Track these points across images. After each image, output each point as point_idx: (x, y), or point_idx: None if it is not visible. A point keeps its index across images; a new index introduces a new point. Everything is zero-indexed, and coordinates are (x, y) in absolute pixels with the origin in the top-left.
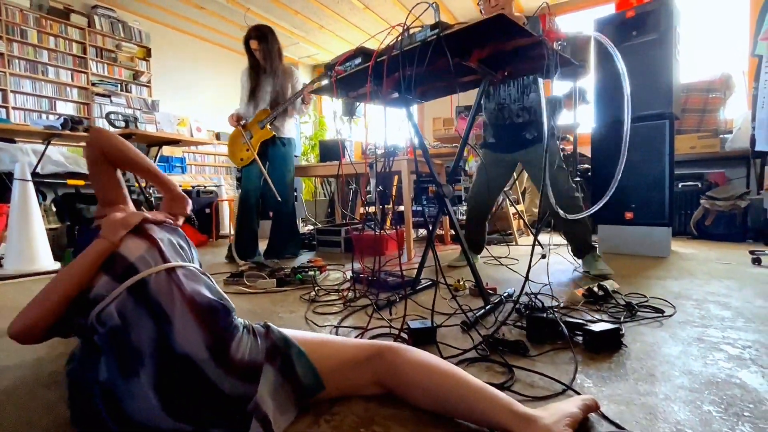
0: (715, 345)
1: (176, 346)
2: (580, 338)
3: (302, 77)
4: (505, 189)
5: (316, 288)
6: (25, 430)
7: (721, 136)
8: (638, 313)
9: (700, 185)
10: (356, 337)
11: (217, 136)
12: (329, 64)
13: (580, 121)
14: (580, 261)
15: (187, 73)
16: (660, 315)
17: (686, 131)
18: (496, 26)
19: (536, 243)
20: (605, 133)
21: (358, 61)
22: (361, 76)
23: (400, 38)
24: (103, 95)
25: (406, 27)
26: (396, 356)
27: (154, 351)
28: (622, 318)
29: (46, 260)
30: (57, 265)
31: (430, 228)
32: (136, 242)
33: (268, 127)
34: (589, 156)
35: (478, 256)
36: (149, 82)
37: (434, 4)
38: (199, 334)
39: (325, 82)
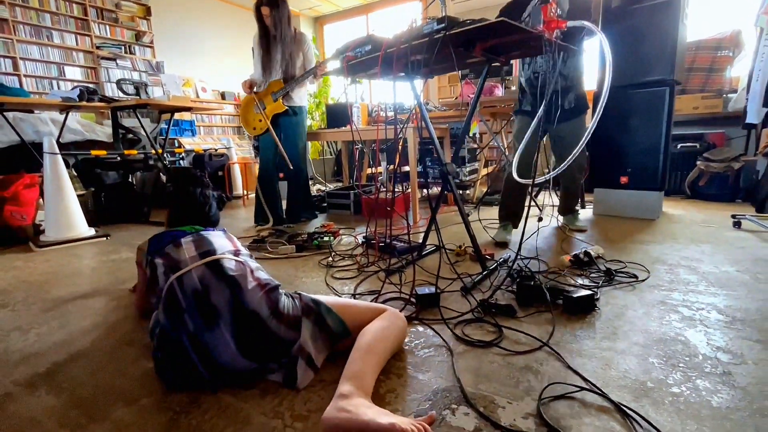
0: (674, 307)
1: (247, 305)
2: (562, 302)
3: (311, 41)
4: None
5: (332, 254)
6: (121, 377)
7: (725, 95)
8: (615, 278)
9: (698, 146)
10: (370, 300)
11: (222, 96)
12: (340, 49)
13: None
14: (562, 217)
15: (188, 31)
16: (634, 280)
17: (691, 91)
18: (499, 26)
19: (532, 206)
20: (608, 97)
21: (368, 48)
22: (370, 59)
23: (408, 29)
24: (109, 58)
25: (414, 20)
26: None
27: (230, 308)
28: (600, 283)
29: (82, 227)
30: (91, 231)
31: (434, 205)
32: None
33: (282, 101)
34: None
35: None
36: (152, 42)
37: None
38: (263, 298)
39: (336, 65)
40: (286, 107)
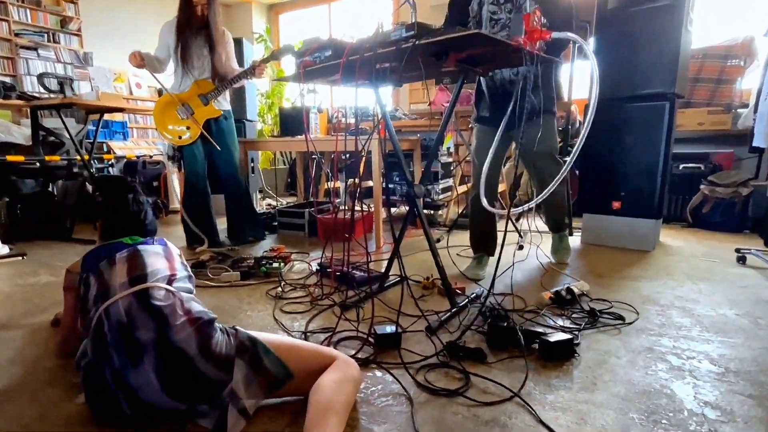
0: (662, 355)
1: (173, 342)
2: (537, 346)
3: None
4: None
5: (282, 283)
6: (42, 422)
7: (734, 110)
8: (600, 319)
9: (702, 167)
10: (323, 340)
11: (160, 93)
12: (298, 51)
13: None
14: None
15: (121, 18)
16: (620, 322)
17: (696, 104)
18: (474, 38)
19: (511, 233)
20: (600, 111)
21: (328, 53)
22: (331, 65)
23: (374, 34)
24: (29, 47)
25: (380, 25)
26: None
27: (155, 344)
28: (582, 325)
29: None
30: (5, 249)
31: (399, 233)
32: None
33: (213, 104)
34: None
35: (490, 258)
36: (79, 30)
37: (412, 1)
38: (192, 335)
39: (281, 62)
40: (221, 111)
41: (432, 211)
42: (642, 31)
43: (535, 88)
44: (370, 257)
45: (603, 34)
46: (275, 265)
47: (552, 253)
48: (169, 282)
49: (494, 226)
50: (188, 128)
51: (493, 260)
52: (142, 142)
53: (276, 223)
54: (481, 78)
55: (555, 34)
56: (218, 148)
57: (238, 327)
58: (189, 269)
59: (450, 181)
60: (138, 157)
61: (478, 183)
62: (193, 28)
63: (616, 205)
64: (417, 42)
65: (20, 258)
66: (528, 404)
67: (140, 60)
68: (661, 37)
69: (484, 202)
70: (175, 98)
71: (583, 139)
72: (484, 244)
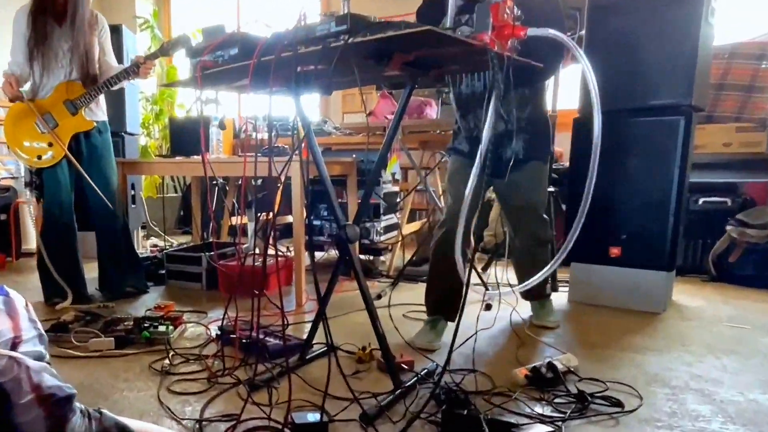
0: None
1: (17, 426)
2: None
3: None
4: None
5: (171, 354)
6: None
7: None
8: (591, 405)
9: (729, 202)
10: (226, 431)
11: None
12: (194, 49)
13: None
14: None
15: None
16: (618, 410)
17: (722, 118)
18: (425, 36)
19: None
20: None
21: (234, 52)
22: (237, 68)
23: (295, 27)
24: None
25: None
26: None
27: None
28: (568, 413)
29: None
30: None
31: (325, 289)
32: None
33: (84, 113)
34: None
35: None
36: None
37: None
38: (41, 417)
39: (186, 60)
40: (94, 123)
41: (371, 257)
42: (648, 24)
43: (516, 136)
44: (288, 319)
45: (596, 27)
46: (161, 328)
47: (533, 316)
48: (13, 346)
49: (460, 282)
50: (50, 145)
51: (451, 326)
52: None
53: (164, 272)
54: (452, 99)
55: (532, 31)
56: (85, 175)
57: (104, 409)
58: (39, 326)
59: (395, 218)
60: None
61: (449, 220)
62: (53, 14)
63: (615, 251)
64: (350, 40)
65: None
66: None
67: (17, 88)
68: (673, 31)
69: (458, 255)
70: (32, 107)
71: (592, 183)
72: (444, 304)
